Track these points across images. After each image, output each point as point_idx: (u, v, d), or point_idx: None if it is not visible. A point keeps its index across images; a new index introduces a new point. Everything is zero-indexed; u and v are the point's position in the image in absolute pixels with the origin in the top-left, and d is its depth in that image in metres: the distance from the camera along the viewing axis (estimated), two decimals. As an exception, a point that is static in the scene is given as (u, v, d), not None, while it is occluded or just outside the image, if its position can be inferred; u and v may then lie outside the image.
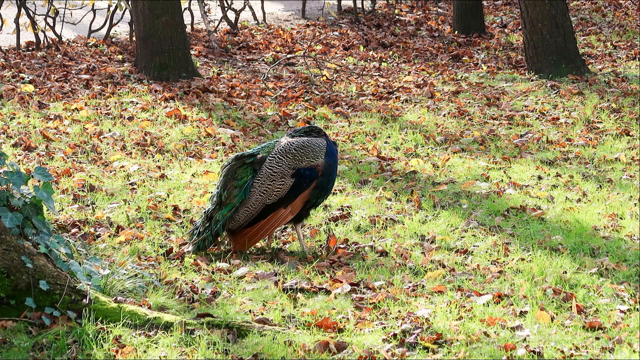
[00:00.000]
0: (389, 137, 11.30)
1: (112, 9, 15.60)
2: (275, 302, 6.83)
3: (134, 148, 10.64)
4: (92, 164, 10.11)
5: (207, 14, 16.65)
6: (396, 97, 13.05)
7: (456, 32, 17.04)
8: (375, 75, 14.36)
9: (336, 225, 8.48)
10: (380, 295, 6.87)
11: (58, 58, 14.47)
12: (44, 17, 15.32)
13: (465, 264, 7.59)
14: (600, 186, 9.52)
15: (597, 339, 6.26)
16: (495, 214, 8.69)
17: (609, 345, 6.16)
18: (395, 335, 6.29)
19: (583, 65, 14.03)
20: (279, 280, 7.21)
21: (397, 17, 18.53)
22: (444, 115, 12.17)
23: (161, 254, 7.78)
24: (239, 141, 11.02)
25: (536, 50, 13.98)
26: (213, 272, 7.44)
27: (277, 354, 6.08)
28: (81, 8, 16.14)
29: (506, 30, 17.55)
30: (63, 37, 15.64)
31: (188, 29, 16.36)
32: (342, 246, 7.95)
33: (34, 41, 15.13)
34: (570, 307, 6.72)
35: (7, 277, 6.39)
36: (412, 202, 9.03)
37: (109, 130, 11.24)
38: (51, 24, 15.31)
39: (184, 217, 8.62)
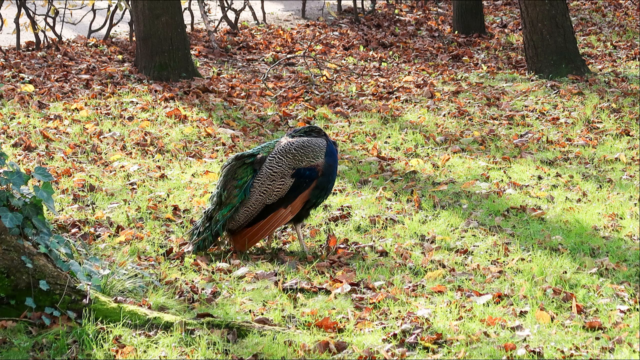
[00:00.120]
0: (389, 137, 11.30)
1: (112, 9, 15.60)
2: (275, 302, 6.83)
3: (134, 148, 10.64)
4: (92, 164, 10.11)
5: (207, 14, 16.65)
6: (396, 97, 13.05)
7: (456, 32, 17.04)
8: (375, 75, 14.36)
9: (336, 225, 8.48)
10: (380, 295, 6.87)
11: (58, 58, 14.47)
12: (44, 17, 15.32)
13: (465, 264, 7.59)
14: (600, 186, 9.52)
15: (597, 339, 6.26)
16: (495, 214, 8.69)
17: (609, 345, 6.16)
18: (395, 335, 6.29)
19: (583, 65, 14.03)
20: (279, 280, 7.21)
21: (397, 17, 18.53)
22: (444, 115, 12.17)
23: (161, 254, 7.78)
24: (239, 141, 11.03)
25: (536, 50, 13.98)
26: (213, 272, 7.44)
27: (277, 354, 6.08)
28: (81, 8, 16.14)
29: (506, 30, 17.55)
30: (63, 37, 15.64)
31: (188, 29, 16.36)
32: (342, 246, 7.95)
33: (34, 41, 15.13)
34: (570, 307, 6.72)
35: (7, 277, 6.39)
36: (412, 202, 9.03)
37: (109, 130, 11.24)
38: (51, 24, 15.31)
39: (184, 217, 8.62)
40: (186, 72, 13.58)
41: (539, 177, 9.78)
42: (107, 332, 6.28)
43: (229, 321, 6.38)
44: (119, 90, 12.95)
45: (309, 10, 18.84)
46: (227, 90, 13.17)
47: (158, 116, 11.85)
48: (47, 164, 10.06)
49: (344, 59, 15.39)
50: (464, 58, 15.46)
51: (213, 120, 11.81)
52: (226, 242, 8.05)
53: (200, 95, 12.86)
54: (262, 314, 6.62)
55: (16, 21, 14.76)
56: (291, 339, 6.23)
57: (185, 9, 16.16)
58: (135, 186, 9.39)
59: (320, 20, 18.18)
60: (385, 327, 6.43)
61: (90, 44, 15.43)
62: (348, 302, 6.83)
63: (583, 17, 18.34)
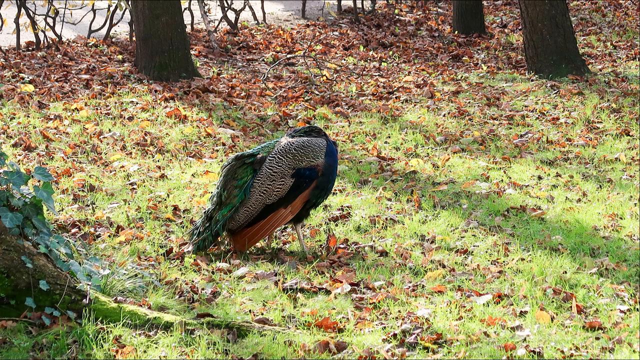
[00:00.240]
0: (389, 137, 11.30)
1: (112, 9, 15.60)
2: (275, 302, 6.83)
3: (134, 148, 10.64)
4: (92, 164, 10.11)
5: (207, 14, 16.65)
6: (396, 97, 13.05)
7: (456, 32, 17.04)
8: (375, 75, 14.36)
9: (336, 225, 8.48)
10: (380, 295, 6.87)
11: (58, 58, 14.47)
12: (44, 17, 15.32)
13: (465, 264, 7.59)
14: (600, 186, 9.52)
15: (597, 339, 6.26)
16: (495, 214, 8.69)
17: (609, 345, 6.16)
18: (395, 335, 6.29)
19: (583, 65, 14.03)
20: (279, 280, 7.21)
21: (397, 17, 18.53)
22: (444, 115, 12.17)
23: (161, 254, 7.78)
24: (239, 141, 11.02)
25: (536, 50, 13.98)
26: (213, 272, 7.44)
27: (277, 354, 6.08)
28: (81, 8, 16.14)
29: (506, 30, 17.55)
30: (63, 37, 15.64)
31: (188, 29, 16.36)
32: (342, 246, 7.95)
33: (34, 41, 15.13)
34: (570, 307, 6.72)
35: (7, 277, 6.39)
36: (412, 202, 9.03)
37: (109, 130, 11.24)
38: (51, 24, 15.31)
39: (184, 217, 8.62)
40: (186, 72, 13.59)
41: (539, 177, 9.78)
42: (107, 332, 6.28)
43: (229, 321, 6.38)
44: (119, 90, 12.95)
45: (309, 10, 18.84)
46: (227, 90, 13.17)
47: (158, 116, 11.85)
48: (47, 164, 10.06)
49: (344, 59, 15.39)
50: (464, 58, 15.46)
51: (213, 120, 11.81)
52: (226, 242, 8.05)
53: (200, 95, 12.86)
54: (262, 314, 6.62)
55: (16, 21, 14.76)
56: (291, 339, 6.23)
57: (185, 9, 16.16)
58: (135, 186, 9.39)
59: (320, 20, 18.18)
60: (385, 327, 6.43)
61: (90, 44, 15.43)
62: (348, 302, 6.83)
63: (583, 17, 18.34)
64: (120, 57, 14.72)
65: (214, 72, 14.28)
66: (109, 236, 8.11)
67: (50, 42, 15.18)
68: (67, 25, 16.28)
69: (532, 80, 13.75)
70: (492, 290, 7.00)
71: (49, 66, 14.06)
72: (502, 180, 9.65)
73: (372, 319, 6.58)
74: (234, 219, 7.87)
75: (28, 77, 13.33)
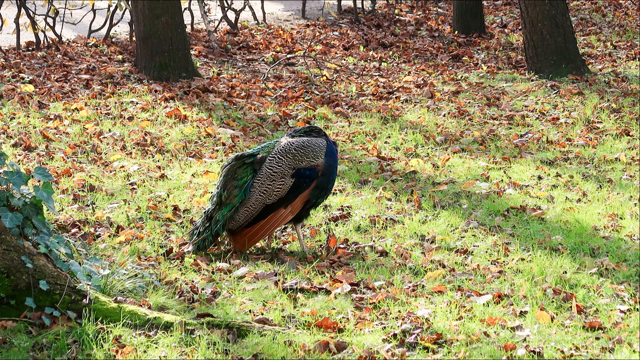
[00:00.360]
0: (389, 137, 11.30)
1: (112, 9, 15.60)
2: (275, 302, 6.83)
3: (134, 148, 10.64)
4: (92, 164, 10.11)
5: (207, 14, 16.65)
6: (396, 97, 13.05)
7: (456, 32, 17.04)
8: (375, 75, 14.36)
9: (336, 225, 8.48)
10: (380, 295, 6.87)
11: (58, 58, 14.47)
12: (44, 17, 15.32)
13: (465, 264, 7.59)
14: (600, 186, 9.52)
15: (597, 339, 6.26)
16: (495, 214, 8.69)
17: (609, 345, 6.16)
18: (395, 335, 6.29)
19: (583, 65, 14.03)
20: (279, 280, 7.21)
21: (397, 17, 18.53)
22: (444, 115, 12.17)
23: (161, 254, 7.78)
24: (239, 141, 11.03)
25: (536, 50, 13.98)
26: (213, 272, 7.44)
27: (277, 354, 6.08)
28: (81, 8, 16.14)
29: (506, 30, 17.55)
30: (63, 37, 15.64)
31: (188, 29, 16.36)
32: (342, 246, 7.95)
33: (34, 41, 15.13)
34: (570, 307, 6.72)
35: (7, 277, 6.39)
36: (412, 202, 9.03)
37: (109, 130, 11.24)
38: (51, 24, 15.31)
39: (184, 217, 8.62)
40: (186, 72, 13.59)
41: (539, 177, 9.78)
42: (107, 332, 6.28)
43: (229, 321, 6.38)
44: (119, 90, 12.95)
45: (309, 10, 18.84)
46: (227, 90, 13.17)
47: (158, 116, 11.85)
48: (47, 164, 10.06)
49: (344, 59, 15.39)
50: (464, 58, 15.46)
51: (213, 120, 11.81)
52: (226, 242, 8.05)
53: (200, 95, 12.86)
54: (262, 314, 6.62)
55: (16, 21, 14.76)
56: (291, 339, 6.23)
57: (185, 9, 16.16)
58: (135, 186, 9.39)
59: (320, 20, 18.18)
60: (385, 327, 6.43)
61: (90, 44, 15.43)
62: (348, 302, 6.83)
63: (583, 17, 18.34)
64: (120, 57, 14.72)
65: (214, 72, 14.28)
66: (109, 236, 8.11)
67: (50, 42, 15.18)
68: (67, 25, 16.28)
69: (532, 80, 13.75)
70: (492, 290, 7.00)
71: (49, 66, 14.06)
72: (502, 180, 9.65)
73: (372, 319, 6.58)
74: (234, 219, 7.87)
75: (28, 77, 13.33)
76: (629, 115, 11.92)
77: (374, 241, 8.09)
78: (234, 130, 11.40)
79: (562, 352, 6.06)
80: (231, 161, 7.96)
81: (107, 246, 7.88)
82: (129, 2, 14.51)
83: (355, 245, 8.00)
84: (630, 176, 9.78)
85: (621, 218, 8.62)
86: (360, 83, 13.84)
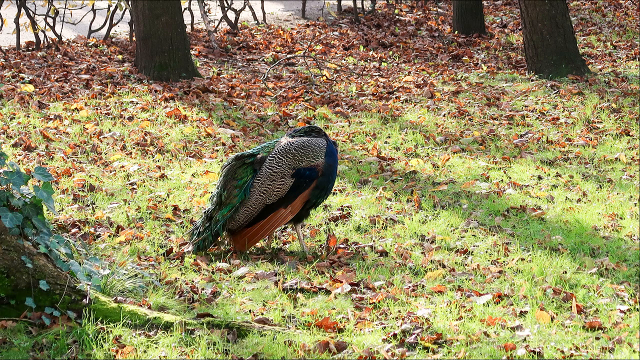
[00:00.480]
0: (389, 137, 11.30)
1: (112, 9, 15.60)
2: (275, 302, 6.83)
3: (134, 148, 10.64)
4: (92, 164, 10.11)
5: (207, 14, 16.65)
6: (396, 97, 13.05)
7: (456, 32, 17.04)
8: (375, 75, 14.36)
9: (336, 225, 8.48)
10: (380, 295, 6.87)
11: (58, 58, 14.47)
12: (44, 17, 15.32)
13: (465, 264, 7.59)
14: (600, 186, 9.52)
15: (597, 339, 6.26)
16: (495, 214, 8.69)
17: (609, 345, 6.16)
18: (395, 335, 6.29)
19: (583, 65, 14.03)
20: (279, 280, 7.21)
21: (397, 17, 18.53)
22: (444, 115, 12.17)
23: (161, 254, 7.78)
24: (239, 141, 11.03)
25: (536, 50, 13.98)
26: (213, 272, 7.44)
27: (277, 354, 6.08)
28: (81, 8, 16.14)
29: (506, 30, 17.55)
30: (63, 37, 15.64)
31: (188, 29, 16.36)
32: (342, 246, 7.95)
33: (34, 41, 15.13)
34: (570, 307, 6.72)
35: (7, 277, 6.39)
36: (412, 202, 9.03)
37: (109, 130, 11.24)
38: (51, 24, 15.31)
39: (184, 217, 8.62)
40: (186, 72, 13.59)
41: (539, 177, 9.78)
42: (107, 332, 6.28)
43: (229, 321, 6.38)
44: (119, 90, 12.95)
45: (309, 10, 18.84)
46: (227, 90, 13.17)
47: (158, 116, 11.85)
48: (47, 164, 10.06)
49: (344, 59, 15.39)
50: (464, 58, 15.46)
51: (213, 120, 11.81)
52: (226, 242, 8.05)
53: (200, 95, 12.86)
54: (262, 314, 6.62)
55: (16, 21, 14.76)
56: (291, 339, 6.23)
57: (185, 9, 16.16)
58: (135, 186, 9.39)
59: (320, 20, 18.18)
60: (385, 327, 6.43)
61: (90, 44, 15.43)
62: (348, 302, 6.83)
63: (583, 17, 18.34)
64: (120, 57, 14.72)
65: (214, 72, 14.28)
66: (109, 236, 8.11)
67: (50, 42, 15.18)
68: (67, 25, 16.28)
69: (532, 80, 13.75)
70: (492, 290, 7.00)
71: (49, 66, 14.06)
72: (502, 180, 9.65)
73: (372, 319, 6.58)
74: (234, 219, 7.87)
75: (28, 77, 13.33)
76: (629, 115, 11.92)
77: (374, 241, 8.09)
78: (234, 130, 11.40)
79: (562, 352, 6.06)
80: (231, 161, 7.96)
81: (107, 246, 7.88)
82: (129, 2, 14.51)
83: (355, 245, 8.00)
84: (630, 176, 9.78)
85: (621, 218, 8.62)
86: (360, 83, 13.84)
